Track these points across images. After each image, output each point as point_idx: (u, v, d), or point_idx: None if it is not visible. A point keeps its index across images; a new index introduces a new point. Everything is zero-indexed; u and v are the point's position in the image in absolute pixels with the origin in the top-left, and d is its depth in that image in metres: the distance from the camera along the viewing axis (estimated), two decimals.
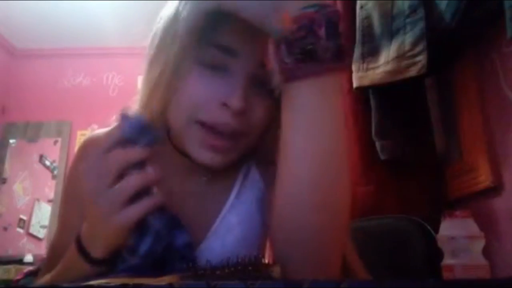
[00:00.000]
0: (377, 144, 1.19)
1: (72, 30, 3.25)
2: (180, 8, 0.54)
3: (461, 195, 1.09)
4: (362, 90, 1.22)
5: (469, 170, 1.05)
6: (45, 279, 0.55)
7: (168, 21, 0.56)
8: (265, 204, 0.61)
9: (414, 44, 1.04)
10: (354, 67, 1.22)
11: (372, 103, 1.21)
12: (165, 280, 0.37)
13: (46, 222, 3.14)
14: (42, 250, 2.98)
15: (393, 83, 1.10)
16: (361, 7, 1.23)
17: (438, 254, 0.71)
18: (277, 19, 0.41)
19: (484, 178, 1.00)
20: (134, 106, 0.61)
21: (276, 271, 0.41)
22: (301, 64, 0.41)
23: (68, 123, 3.33)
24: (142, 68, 0.60)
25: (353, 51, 1.25)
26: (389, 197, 1.15)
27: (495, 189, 0.97)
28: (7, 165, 3.27)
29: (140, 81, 0.62)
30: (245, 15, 0.44)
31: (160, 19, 0.59)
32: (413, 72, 1.04)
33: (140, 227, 0.46)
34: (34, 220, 3.16)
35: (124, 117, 0.48)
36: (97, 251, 0.48)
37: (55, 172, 3.25)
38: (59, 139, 3.32)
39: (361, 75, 1.19)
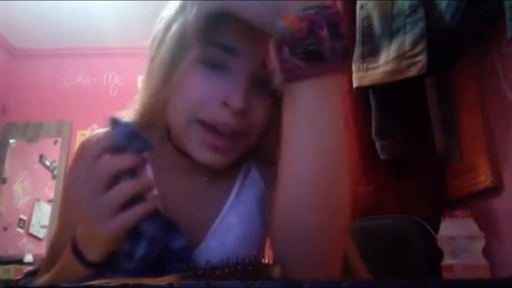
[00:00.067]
0: (377, 144, 1.19)
1: (72, 30, 3.25)
2: (181, 9, 0.55)
3: (461, 195, 1.09)
4: (362, 90, 1.22)
5: (469, 170, 1.05)
6: (43, 279, 0.55)
7: (169, 21, 0.57)
8: (265, 204, 0.61)
9: (414, 44, 1.04)
10: (354, 67, 1.22)
11: (372, 103, 1.21)
12: (165, 280, 0.37)
13: (46, 222, 3.14)
14: (42, 250, 2.98)
15: (393, 83, 1.09)
16: (361, 7, 1.23)
17: (438, 254, 0.71)
18: (278, 20, 0.41)
19: (484, 178, 1.00)
20: (134, 105, 0.61)
21: (276, 271, 0.41)
22: (302, 65, 0.41)
23: (68, 123, 3.33)
24: (143, 68, 0.60)
25: (353, 51, 1.25)
26: (389, 197, 1.15)
27: (495, 189, 0.97)
28: (7, 165, 3.28)
29: (140, 81, 0.62)
30: (246, 16, 0.44)
31: (161, 19, 0.59)
32: (413, 72, 1.04)
33: (135, 232, 0.46)
34: (34, 220, 3.16)
35: (114, 123, 0.48)
36: (92, 254, 0.48)
37: (55, 172, 3.25)
38: (59, 139, 3.32)
39: (361, 75, 1.19)
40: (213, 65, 0.53)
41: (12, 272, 2.62)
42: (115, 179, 0.45)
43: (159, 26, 0.59)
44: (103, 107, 2.95)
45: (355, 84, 1.21)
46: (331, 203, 0.43)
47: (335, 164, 0.43)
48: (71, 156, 3.18)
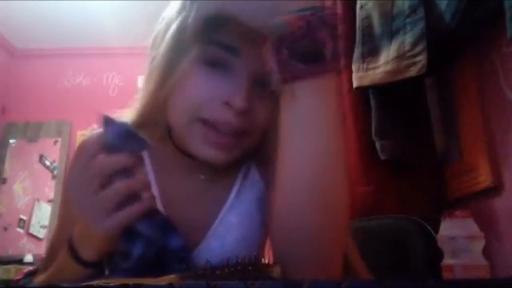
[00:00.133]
0: (377, 144, 1.18)
1: (72, 30, 3.25)
2: (181, 9, 0.55)
3: (461, 195, 1.09)
4: (362, 90, 1.22)
5: (469, 170, 1.05)
6: (39, 278, 0.55)
7: (169, 21, 0.57)
8: (265, 204, 0.61)
9: (414, 44, 1.04)
10: (354, 67, 1.22)
11: (372, 103, 1.21)
12: (165, 280, 0.37)
13: (46, 222, 3.14)
14: (42, 250, 2.98)
15: (393, 83, 1.09)
16: (361, 7, 1.23)
17: (438, 254, 0.71)
18: (275, 22, 0.41)
19: (484, 178, 1.00)
20: (135, 105, 0.62)
21: (276, 271, 0.41)
22: (299, 65, 0.41)
23: (68, 123, 3.32)
24: (143, 68, 0.60)
25: (353, 51, 1.25)
26: (389, 197, 1.15)
27: (495, 189, 0.97)
28: (7, 165, 3.27)
29: (140, 81, 0.62)
30: (243, 18, 0.45)
31: (162, 19, 0.59)
32: (413, 72, 1.04)
33: (131, 232, 0.46)
34: (34, 220, 3.16)
35: (107, 123, 0.48)
36: (88, 254, 0.48)
37: (55, 172, 3.25)
38: (59, 139, 3.32)
39: (361, 75, 1.18)
40: (214, 65, 0.53)
41: (12, 272, 2.62)
42: (110, 178, 0.45)
43: (160, 26, 0.59)
44: (103, 107, 2.91)
45: (355, 84, 1.21)
46: (330, 203, 0.43)
47: (332, 163, 0.43)
48: (71, 156, 3.18)
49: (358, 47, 1.22)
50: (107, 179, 0.45)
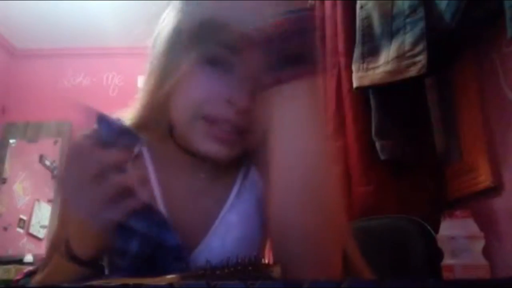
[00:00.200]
0: (377, 144, 1.18)
1: (72, 30, 3.25)
2: (179, 11, 0.55)
3: (461, 195, 1.09)
4: (362, 90, 1.22)
5: (469, 170, 1.05)
6: (37, 278, 0.55)
7: (169, 22, 0.57)
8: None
9: (414, 44, 1.04)
10: (354, 67, 1.22)
11: (372, 103, 1.21)
12: (165, 280, 0.37)
13: (46, 222, 3.14)
14: (42, 250, 2.98)
15: (393, 83, 1.10)
16: (361, 7, 1.23)
17: (438, 254, 0.71)
18: (256, 27, 0.42)
19: (484, 178, 1.00)
20: (135, 105, 0.62)
21: (276, 271, 0.41)
22: (278, 70, 0.42)
23: (68, 123, 3.33)
24: (143, 68, 0.60)
25: (353, 51, 1.25)
26: (389, 197, 1.15)
27: (495, 189, 0.97)
28: (7, 165, 3.27)
29: (140, 81, 0.62)
30: (232, 24, 0.46)
31: (163, 19, 0.59)
32: (413, 72, 1.04)
33: (126, 229, 0.46)
34: (34, 220, 3.16)
35: (101, 120, 0.47)
36: (83, 252, 0.48)
37: (55, 172, 3.25)
38: (59, 139, 3.31)
39: (361, 75, 1.19)
40: (216, 63, 0.54)
41: (12, 272, 2.62)
42: (104, 174, 0.45)
43: (162, 25, 0.59)
44: (103, 107, 2.92)
45: (355, 84, 1.21)
46: (322, 203, 0.43)
47: (322, 163, 0.44)
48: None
49: (358, 47, 1.22)
50: (101, 175, 0.45)
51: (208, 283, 0.31)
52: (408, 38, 1.06)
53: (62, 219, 0.66)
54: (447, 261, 0.69)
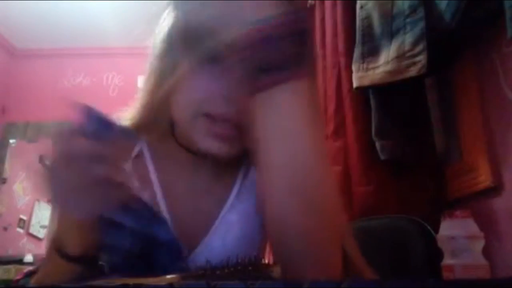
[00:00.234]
0: (377, 144, 1.19)
1: (72, 30, 3.25)
2: (173, 11, 0.56)
3: (461, 195, 1.09)
4: (362, 90, 1.22)
5: (469, 170, 1.05)
6: (35, 277, 0.55)
7: (169, 21, 0.57)
8: None
9: (414, 44, 1.04)
10: (354, 67, 1.22)
11: (372, 103, 1.21)
12: (165, 280, 0.37)
13: (46, 222, 3.14)
14: (42, 250, 2.97)
15: (393, 83, 1.10)
16: (361, 7, 1.23)
17: (438, 254, 0.71)
18: (238, 34, 0.41)
19: (484, 178, 1.00)
20: (135, 104, 0.62)
21: (276, 271, 0.41)
22: (263, 76, 0.41)
23: (68, 123, 3.32)
24: (143, 68, 0.61)
25: (353, 51, 1.25)
26: (389, 197, 1.15)
27: (495, 189, 0.97)
28: (7, 165, 3.27)
29: (140, 81, 0.62)
30: (219, 30, 0.45)
31: (163, 19, 0.60)
32: (413, 72, 1.04)
33: (115, 225, 0.45)
34: (34, 220, 3.16)
35: (87, 112, 0.46)
36: (72, 248, 0.48)
37: None
38: None
39: (361, 75, 1.19)
40: (215, 61, 0.54)
41: (12, 272, 2.62)
42: (85, 165, 0.43)
43: (162, 25, 0.60)
44: (103, 107, 2.92)
45: (355, 84, 1.21)
46: (315, 203, 0.43)
47: (311, 163, 0.43)
48: None
49: (358, 47, 1.22)
50: (85, 166, 0.43)
51: (208, 283, 0.31)
52: (408, 38, 1.06)
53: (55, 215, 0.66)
54: (447, 261, 0.69)
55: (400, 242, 0.88)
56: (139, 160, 0.62)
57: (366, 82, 1.17)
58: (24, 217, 3.16)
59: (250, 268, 0.40)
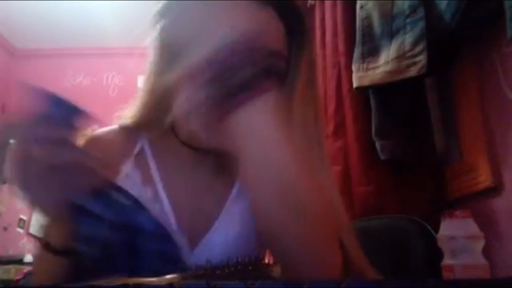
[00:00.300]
0: (377, 144, 1.19)
1: (72, 30, 3.25)
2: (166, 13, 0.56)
3: (461, 195, 1.09)
4: (362, 90, 1.22)
5: (469, 170, 1.05)
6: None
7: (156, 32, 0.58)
8: None
9: (414, 44, 1.04)
10: (354, 67, 1.22)
11: (372, 103, 1.21)
12: (165, 280, 0.37)
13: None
14: None
15: (393, 83, 1.10)
16: (361, 7, 1.23)
17: (438, 254, 0.71)
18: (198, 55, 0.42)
19: (484, 178, 1.00)
20: (136, 103, 0.62)
21: (276, 271, 0.41)
22: (225, 99, 0.42)
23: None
24: (143, 68, 0.61)
25: (353, 51, 1.25)
26: (389, 197, 1.15)
27: (495, 189, 0.97)
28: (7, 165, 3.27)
29: (140, 81, 0.62)
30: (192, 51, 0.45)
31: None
32: (413, 72, 1.04)
33: (90, 214, 0.44)
34: (34, 220, 3.16)
35: (48, 97, 0.45)
36: (54, 239, 0.48)
37: None
38: None
39: (361, 75, 1.19)
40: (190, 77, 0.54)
41: (12, 272, 2.62)
42: (47, 152, 0.42)
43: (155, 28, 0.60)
44: (103, 107, 2.91)
45: (355, 84, 1.21)
46: (306, 209, 0.43)
47: (290, 172, 0.43)
48: None
49: (358, 47, 1.22)
50: (48, 151, 0.42)
51: (208, 283, 0.31)
52: (408, 38, 1.06)
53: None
54: (447, 261, 0.69)
55: (400, 242, 0.88)
56: (140, 158, 0.63)
57: (366, 82, 1.17)
58: (24, 217, 3.15)
59: (250, 267, 0.40)
